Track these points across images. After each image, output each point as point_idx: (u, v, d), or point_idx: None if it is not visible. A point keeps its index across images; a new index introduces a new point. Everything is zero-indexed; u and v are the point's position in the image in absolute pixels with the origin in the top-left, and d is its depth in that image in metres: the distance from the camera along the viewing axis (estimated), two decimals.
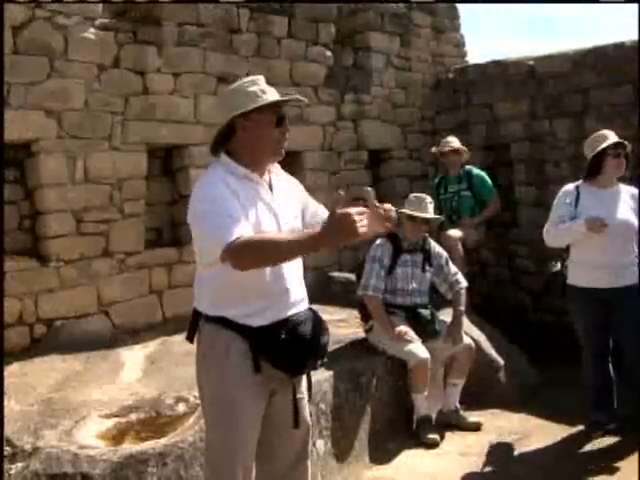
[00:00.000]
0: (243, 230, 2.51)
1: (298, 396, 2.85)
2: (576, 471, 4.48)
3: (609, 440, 4.84)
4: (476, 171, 7.10)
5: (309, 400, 2.96)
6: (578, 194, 4.76)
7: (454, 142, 7.15)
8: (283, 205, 2.83)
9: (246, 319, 2.69)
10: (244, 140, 2.77)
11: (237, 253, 2.47)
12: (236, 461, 2.72)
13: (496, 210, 7.13)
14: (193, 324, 2.83)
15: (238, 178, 2.73)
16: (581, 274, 4.73)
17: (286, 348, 2.66)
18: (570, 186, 4.87)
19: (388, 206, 2.73)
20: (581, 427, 5.01)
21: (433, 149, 7.41)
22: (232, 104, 2.77)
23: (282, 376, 2.73)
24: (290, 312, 2.73)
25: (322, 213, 3.03)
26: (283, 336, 2.65)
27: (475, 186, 7.03)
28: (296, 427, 2.82)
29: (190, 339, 2.86)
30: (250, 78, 2.85)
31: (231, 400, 2.70)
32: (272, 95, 2.77)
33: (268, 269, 2.67)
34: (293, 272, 2.79)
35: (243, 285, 2.66)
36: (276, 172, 2.93)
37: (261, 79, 2.84)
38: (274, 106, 2.77)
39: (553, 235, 4.80)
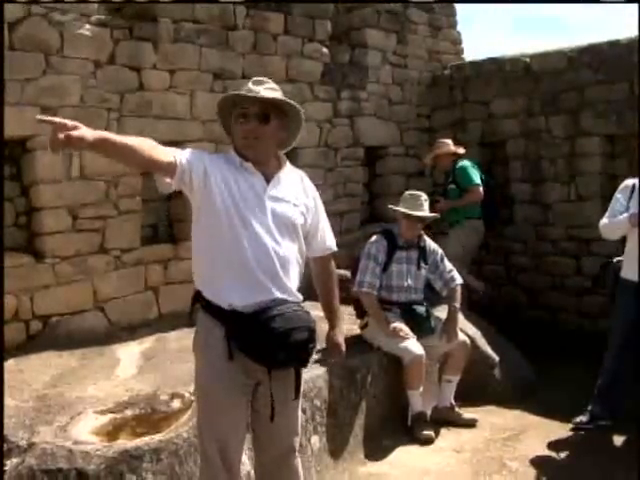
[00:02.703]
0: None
1: (277, 391, 2.85)
2: (572, 467, 4.51)
3: (608, 435, 4.88)
4: (460, 164, 7.12)
5: (295, 398, 2.95)
6: (633, 190, 4.79)
7: (438, 147, 7.28)
8: (280, 198, 2.91)
9: (220, 296, 2.80)
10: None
11: None
12: (213, 445, 2.85)
13: (474, 197, 7.01)
14: (192, 304, 2.98)
15: (236, 167, 2.88)
16: (631, 267, 4.77)
17: (254, 339, 2.72)
18: (628, 181, 4.90)
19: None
20: None
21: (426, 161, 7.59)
22: None
23: (259, 367, 2.78)
24: (258, 298, 2.76)
25: (323, 234, 3.19)
26: (254, 327, 2.71)
27: (456, 177, 7.11)
28: (271, 421, 2.85)
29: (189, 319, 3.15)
30: (257, 78, 3.01)
31: (208, 385, 2.87)
32: (256, 93, 2.89)
33: (236, 249, 2.78)
34: (269, 262, 2.82)
35: (221, 258, 2.80)
36: (286, 170, 3.03)
37: (256, 80, 2.97)
38: (237, 103, 2.91)
39: (606, 229, 4.88)
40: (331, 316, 3.24)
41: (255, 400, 2.89)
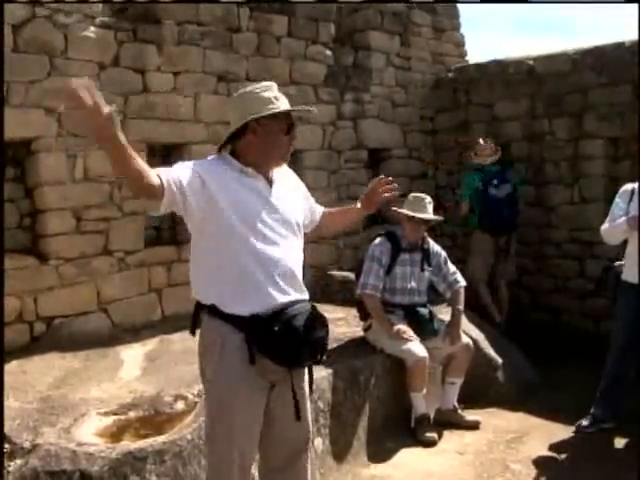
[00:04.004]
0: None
1: (298, 390, 2.86)
2: (574, 469, 4.50)
3: (610, 437, 4.87)
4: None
5: (310, 396, 2.98)
6: (632, 194, 4.79)
7: (480, 151, 7.38)
8: (283, 198, 2.90)
9: (234, 305, 2.74)
10: (253, 143, 2.84)
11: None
12: (233, 449, 2.78)
13: (457, 212, 7.51)
14: (195, 317, 2.90)
15: (233, 171, 2.82)
16: (631, 270, 4.78)
17: (279, 341, 2.69)
18: (628, 185, 4.90)
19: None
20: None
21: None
22: (247, 107, 2.83)
23: (279, 369, 2.76)
24: (279, 300, 2.76)
25: (314, 208, 3.24)
26: (276, 328, 2.69)
27: None
28: (298, 419, 2.85)
29: (192, 332, 2.93)
30: (265, 83, 2.93)
31: (227, 391, 2.77)
32: (284, 103, 2.87)
33: (254, 255, 2.75)
34: (280, 263, 2.81)
35: (231, 266, 2.75)
36: (279, 168, 2.99)
37: (274, 86, 2.93)
38: (286, 114, 2.86)
39: (606, 232, 4.88)
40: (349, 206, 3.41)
41: (268, 401, 2.86)
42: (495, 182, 7.20)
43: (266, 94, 2.84)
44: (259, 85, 2.91)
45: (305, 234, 3.12)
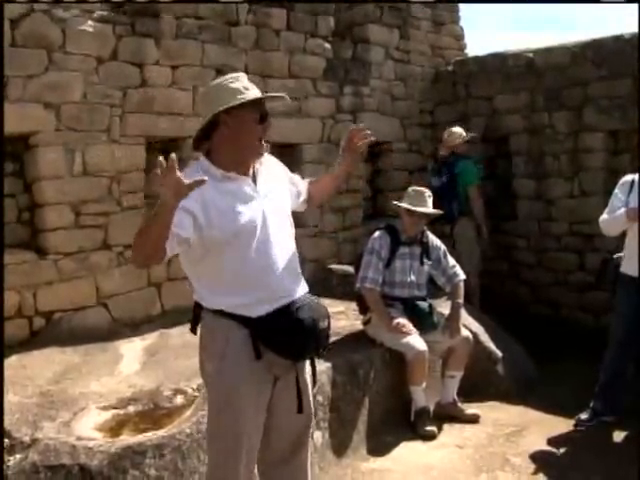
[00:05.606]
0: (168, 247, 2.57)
1: (302, 383, 2.88)
2: (574, 463, 4.50)
3: (609, 431, 4.87)
4: None
5: (313, 388, 2.99)
6: (632, 185, 4.77)
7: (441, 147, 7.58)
8: (271, 193, 2.87)
9: (242, 310, 2.73)
10: (226, 136, 2.78)
11: (132, 256, 2.72)
12: (240, 445, 2.77)
13: None
14: (195, 315, 2.87)
15: (215, 179, 2.73)
16: (631, 262, 4.77)
17: (284, 333, 2.70)
18: (628, 177, 4.88)
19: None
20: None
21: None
22: (215, 99, 2.78)
23: (283, 362, 2.76)
24: (285, 302, 2.76)
25: (302, 188, 3.22)
26: (281, 320, 2.70)
27: None
28: (300, 412, 2.86)
29: (193, 331, 2.90)
30: (232, 75, 2.88)
31: (233, 387, 2.75)
32: (254, 92, 2.81)
33: (255, 262, 2.73)
34: (281, 263, 2.81)
35: (233, 277, 2.73)
36: (260, 160, 2.93)
37: (243, 76, 2.87)
38: (257, 103, 2.80)
39: (605, 224, 4.86)
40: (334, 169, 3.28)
41: (271, 394, 2.85)
42: (443, 172, 7.29)
43: (234, 85, 2.78)
44: (227, 76, 2.85)
45: (299, 224, 3.11)
